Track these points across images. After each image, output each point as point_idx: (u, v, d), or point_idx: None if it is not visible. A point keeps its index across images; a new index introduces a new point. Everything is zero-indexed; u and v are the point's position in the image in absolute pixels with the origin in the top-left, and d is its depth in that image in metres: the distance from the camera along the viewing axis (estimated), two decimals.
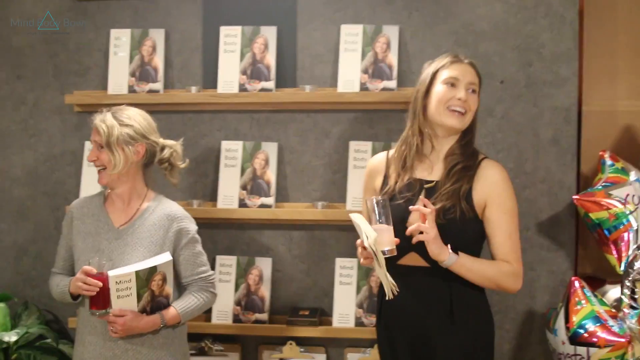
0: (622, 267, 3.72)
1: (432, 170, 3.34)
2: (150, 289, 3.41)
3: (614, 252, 3.78)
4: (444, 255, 3.14)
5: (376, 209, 3.12)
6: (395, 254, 3.12)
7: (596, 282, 4.00)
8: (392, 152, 3.48)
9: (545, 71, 4.10)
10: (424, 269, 3.25)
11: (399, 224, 3.21)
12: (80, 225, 3.56)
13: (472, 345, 3.27)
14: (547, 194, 4.09)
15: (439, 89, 3.29)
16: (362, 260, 3.19)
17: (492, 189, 3.24)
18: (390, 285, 3.12)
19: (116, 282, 3.29)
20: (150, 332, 3.46)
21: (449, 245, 3.14)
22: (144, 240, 3.52)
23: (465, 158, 3.30)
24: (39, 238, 4.48)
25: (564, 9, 4.08)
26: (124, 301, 3.34)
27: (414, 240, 3.13)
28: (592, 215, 3.79)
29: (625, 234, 3.76)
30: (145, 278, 3.36)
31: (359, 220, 3.15)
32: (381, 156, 3.53)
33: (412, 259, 3.26)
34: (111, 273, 3.28)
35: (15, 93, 4.50)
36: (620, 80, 4.17)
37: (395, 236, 3.16)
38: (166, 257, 3.45)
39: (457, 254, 3.16)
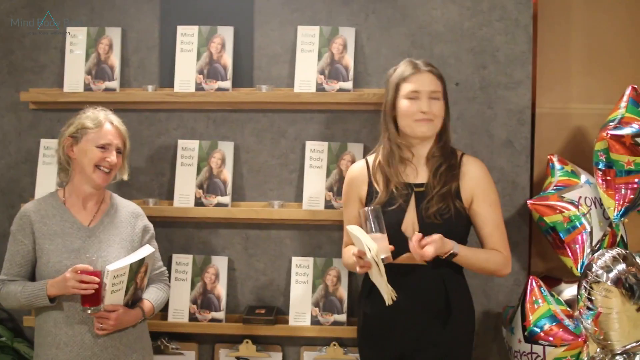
0: (580, 269, 3.78)
1: (417, 174, 3.47)
2: (136, 281, 3.45)
3: (570, 254, 3.83)
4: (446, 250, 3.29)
5: (371, 218, 3.23)
6: (391, 260, 3.24)
7: (551, 282, 4.04)
8: (370, 159, 3.58)
9: (499, 74, 4.14)
10: (420, 267, 3.36)
11: (395, 227, 3.37)
12: (43, 227, 3.53)
13: (462, 339, 3.47)
14: (501, 195, 4.08)
15: (403, 104, 3.41)
16: (358, 269, 3.28)
17: (476, 184, 3.43)
18: (389, 292, 3.22)
19: (114, 276, 3.31)
20: (127, 327, 3.51)
21: (453, 245, 3.29)
22: (116, 237, 3.57)
23: (446, 158, 3.44)
24: None
25: (518, 12, 4.12)
26: (115, 296, 3.38)
27: (418, 259, 3.26)
28: (547, 219, 3.83)
29: (580, 236, 3.81)
30: (135, 270, 3.41)
31: (358, 232, 3.23)
32: (361, 165, 3.62)
33: (409, 258, 3.37)
34: (110, 267, 3.29)
35: None
36: (573, 83, 4.23)
37: (391, 239, 3.29)
38: (149, 249, 3.52)
39: (457, 252, 3.30)
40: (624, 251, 3.56)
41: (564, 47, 4.23)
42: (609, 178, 3.71)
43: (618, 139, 3.62)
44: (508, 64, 4.14)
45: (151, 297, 3.63)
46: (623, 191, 3.71)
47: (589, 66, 4.23)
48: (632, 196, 3.71)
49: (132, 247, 3.58)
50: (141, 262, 3.43)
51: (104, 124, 3.55)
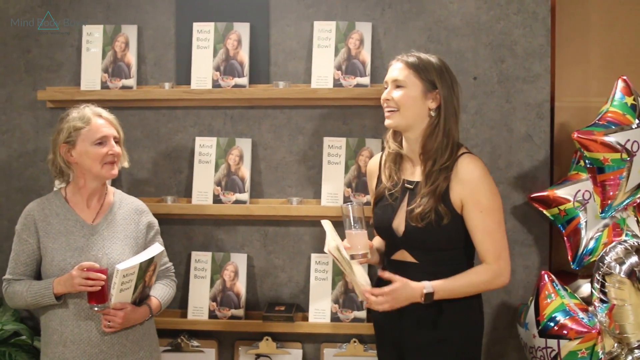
0: (608, 209, 3.79)
1: (414, 170, 3.39)
2: (144, 280, 3.46)
3: (603, 191, 3.81)
4: (417, 300, 3.21)
5: (350, 214, 3.23)
6: (368, 257, 3.27)
7: (569, 277, 4.03)
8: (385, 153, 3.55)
9: (517, 67, 4.12)
10: (413, 264, 3.31)
11: (387, 224, 3.35)
12: (47, 226, 3.53)
13: (457, 342, 3.32)
14: (521, 190, 4.12)
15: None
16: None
17: (466, 187, 3.24)
18: (360, 289, 3.24)
19: (123, 275, 3.30)
20: (135, 324, 3.52)
21: (423, 293, 3.19)
22: (119, 234, 3.56)
23: (441, 155, 3.28)
24: (12, 235, 4.42)
25: (536, 5, 4.09)
26: (123, 294, 3.38)
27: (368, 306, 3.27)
28: (588, 155, 3.77)
29: (615, 177, 3.76)
30: (144, 270, 3.41)
31: (326, 226, 3.30)
32: (376, 158, 3.60)
33: (402, 255, 3.34)
34: (120, 267, 3.28)
35: None
36: (592, 76, 4.21)
37: (384, 236, 3.36)
38: (158, 248, 3.51)
39: (432, 294, 3.20)
40: (636, 243, 3.56)
41: (583, 39, 4.20)
42: None
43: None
44: (526, 57, 4.11)
45: (158, 293, 3.63)
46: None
47: (608, 59, 4.20)
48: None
49: (137, 244, 3.58)
50: (150, 261, 3.42)
51: (93, 119, 3.51)
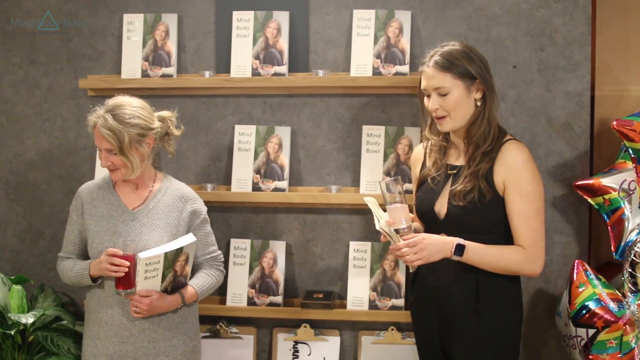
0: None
1: (459, 156, 3.43)
2: (174, 269, 3.48)
3: None
4: (448, 251, 3.24)
5: (391, 188, 3.26)
6: (412, 230, 3.27)
7: (616, 268, 3.99)
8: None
9: (557, 56, 4.09)
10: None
11: (429, 207, 3.40)
12: (92, 209, 3.62)
13: (496, 329, 3.34)
14: (560, 179, 4.10)
15: (424, 101, 3.41)
16: (382, 238, 3.33)
17: (509, 171, 3.28)
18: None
19: (146, 263, 3.35)
20: (168, 311, 3.55)
21: (454, 243, 3.23)
22: (160, 221, 3.60)
23: (485, 140, 3.33)
24: (54, 221, 4.52)
25: None
26: (149, 282, 3.42)
27: (413, 264, 3.27)
28: (629, 145, 3.71)
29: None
30: (171, 259, 3.44)
31: (370, 203, 3.33)
32: (422, 145, 3.64)
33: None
34: (142, 255, 3.33)
35: (29, 77, 4.52)
36: (633, 66, 4.17)
37: (424, 219, 3.41)
38: (191, 238, 3.53)
39: (464, 247, 3.23)
40: None
41: (624, 28, 4.16)
42: None
43: None
44: (566, 45, 4.08)
45: (196, 283, 3.65)
46: None
47: None
48: None
49: (177, 232, 3.61)
50: (179, 251, 3.45)
51: (94, 128, 3.53)
